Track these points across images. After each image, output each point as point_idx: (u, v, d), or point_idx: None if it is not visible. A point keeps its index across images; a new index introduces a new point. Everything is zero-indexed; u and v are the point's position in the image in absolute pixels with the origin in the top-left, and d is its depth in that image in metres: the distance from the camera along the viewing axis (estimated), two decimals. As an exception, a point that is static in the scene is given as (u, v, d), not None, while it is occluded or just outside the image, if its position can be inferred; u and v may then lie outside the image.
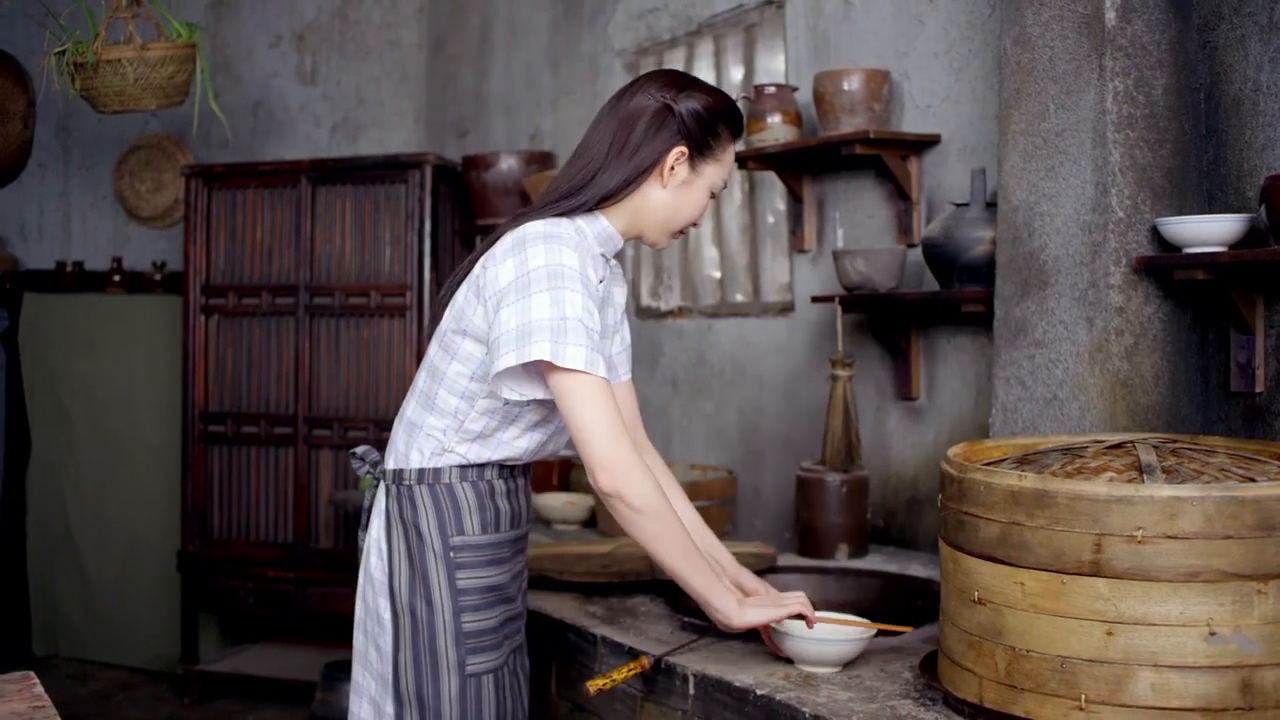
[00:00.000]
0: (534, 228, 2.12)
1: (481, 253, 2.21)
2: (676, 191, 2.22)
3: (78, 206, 6.57)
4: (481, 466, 2.23)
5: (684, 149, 2.20)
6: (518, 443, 2.23)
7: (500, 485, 2.25)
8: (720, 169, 2.27)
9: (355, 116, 6.13)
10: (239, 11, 6.28)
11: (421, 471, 2.21)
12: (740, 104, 3.76)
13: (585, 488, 4.10)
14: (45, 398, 5.99)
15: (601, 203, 2.20)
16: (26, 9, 6.35)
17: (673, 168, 2.20)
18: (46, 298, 6.07)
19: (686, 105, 2.19)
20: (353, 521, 4.86)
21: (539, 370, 2.09)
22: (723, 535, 3.69)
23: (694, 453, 4.23)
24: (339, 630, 5.13)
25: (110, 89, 4.89)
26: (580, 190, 2.19)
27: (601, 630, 2.61)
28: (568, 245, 2.09)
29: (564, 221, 2.16)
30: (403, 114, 6.05)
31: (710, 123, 2.22)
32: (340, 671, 4.66)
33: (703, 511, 3.56)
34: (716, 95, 2.26)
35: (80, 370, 5.92)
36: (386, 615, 2.22)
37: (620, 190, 2.19)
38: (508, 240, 2.14)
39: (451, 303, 2.23)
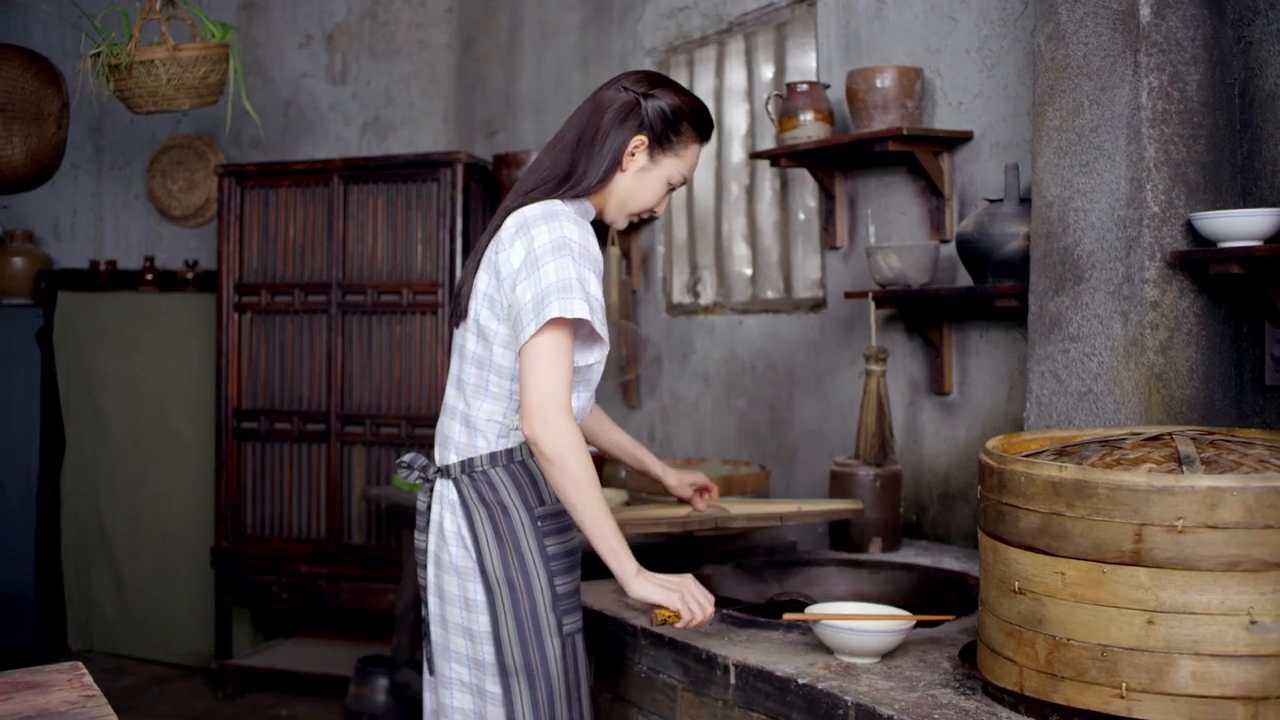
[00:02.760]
0: (533, 210, 2.30)
1: (489, 238, 2.38)
2: (634, 177, 2.39)
3: (110, 206, 6.63)
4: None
5: (643, 138, 2.37)
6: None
7: None
8: (679, 164, 2.43)
9: (385, 116, 6.17)
10: (269, 12, 6.34)
11: (494, 455, 2.33)
12: (772, 101, 3.80)
13: (619, 483, 4.13)
14: (79, 395, 6.05)
15: (588, 189, 2.37)
16: (62, 11, 6.43)
17: (632, 153, 2.37)
18: (80, 296, 6.14)
19: (653, 102, 2.37)
20: (386, 517, 4.90)
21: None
22: (755, 530, 3.72)
23: (725, 448, 4.25)
24: (371, 625, 5.18)
25: (144, 90, 4.95)
26: (568, 178, 2.36)
27: (641, 623, 2.64)
28: (568, 220, 2.27)
29: (558, 202, 2.33)
30: (432, 113, 6.09)
31: (674, 120, 2.39)
32: (374, 666, 4.71)
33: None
34: (686, 97, 2.43)
35: (114, 368, 5.98)
36: (480, 597, 2.32)
37: (602, 180, 2.37)
38: (511, 225, 2.31)
39: (474, 293, 2.37)
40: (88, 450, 6.05)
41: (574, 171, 2.36)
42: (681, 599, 2.23)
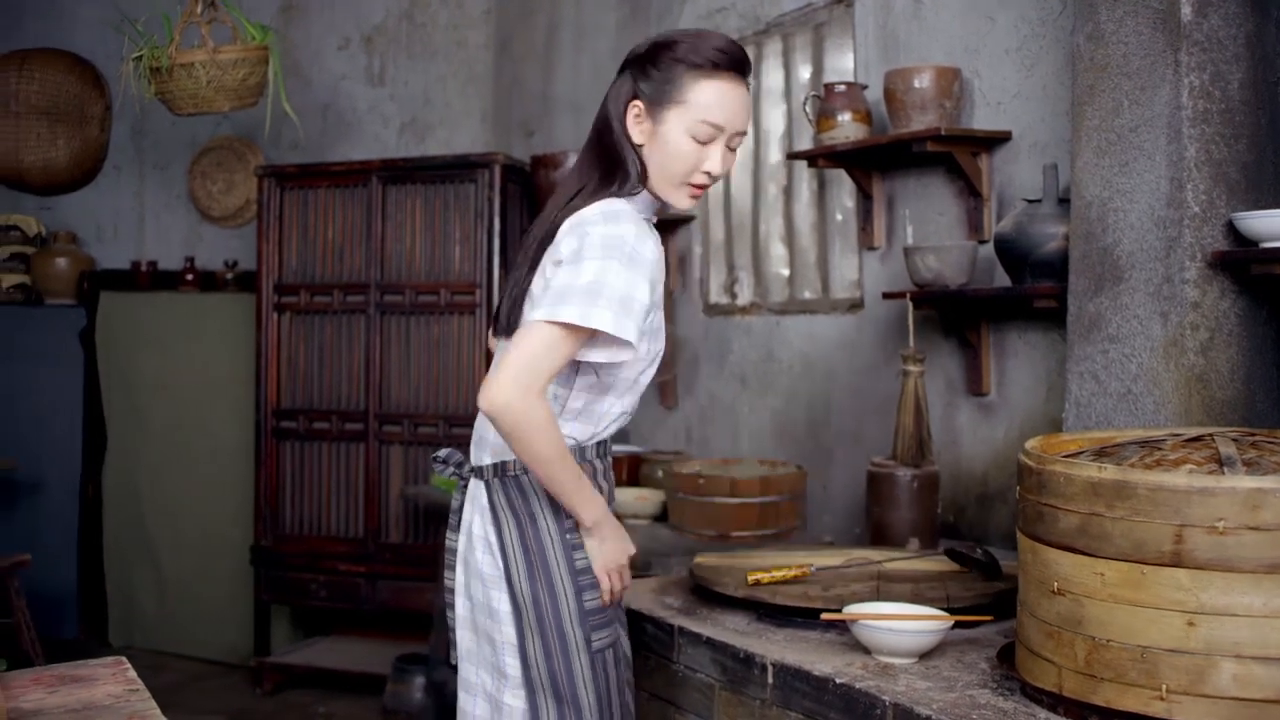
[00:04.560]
0: (592, 211, 2.16)
1: (540, 246, 2.24)
2: (651, 145, 2.20)
3: (152, 207, 6.70)
4: (583, 447, 2.27)
5: (636, 102, 2.20)
6: (614, 409, 2.28)
7: (599, 465, 2.31)
8: (689, 110, 2.17)
9: (422, 117, 6.21)
10: (308, 15, 6.38)
11: None
12: (810, 102, 3.80)
13: (656, 483, 4.14)
14: (121, 394, 6.12)
15: (637, 180, 2.21)
16: (105, 15, 6.50)
17: (635, 123, 2.20)
18: (122, 296, 6.20)
19: (634, 57, 2.22)
20: (423, 516, 4.93)
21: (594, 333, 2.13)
22: (792, 530, 3.72)
23: (761, 448, 4.26)
24: (409, 623, 5.21)
25: (185, 92, 5.00)
26: (609, 177, 2.21)
27: (679, 621, 2.65)
28: (627, 220, 2.14)
29: (618, 201, 2.19)
30: (469, 114, 6.12)
31: (659, 65, 2.18)
32: (411, 664, 4.73)
33: (772, 506, 3.64)
34: (670, 36, 2.22)
35: (155, 367, 6.04)
36: (504, 608, 2.25)
37: (639, 165, 2.21)
38: (567, 226, 2.18)
39: (529, 298, 2.25)
40: (129, 448, 6.11)
41: (610, 169, 2.21)
42: (607, 576, 2.26)
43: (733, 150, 2.26)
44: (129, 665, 2.53)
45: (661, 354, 2.33)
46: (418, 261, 5.03)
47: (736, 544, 3.52)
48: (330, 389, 5.20)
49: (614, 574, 2.29)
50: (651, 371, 2.32)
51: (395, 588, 5.03)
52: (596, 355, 2.17)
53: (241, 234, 6.38)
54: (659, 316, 2.28)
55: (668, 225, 4.64)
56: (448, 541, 2.41)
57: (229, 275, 6.08)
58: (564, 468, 2.17)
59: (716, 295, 4.61)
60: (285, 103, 5.04)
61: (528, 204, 5.14)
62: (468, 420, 4.89)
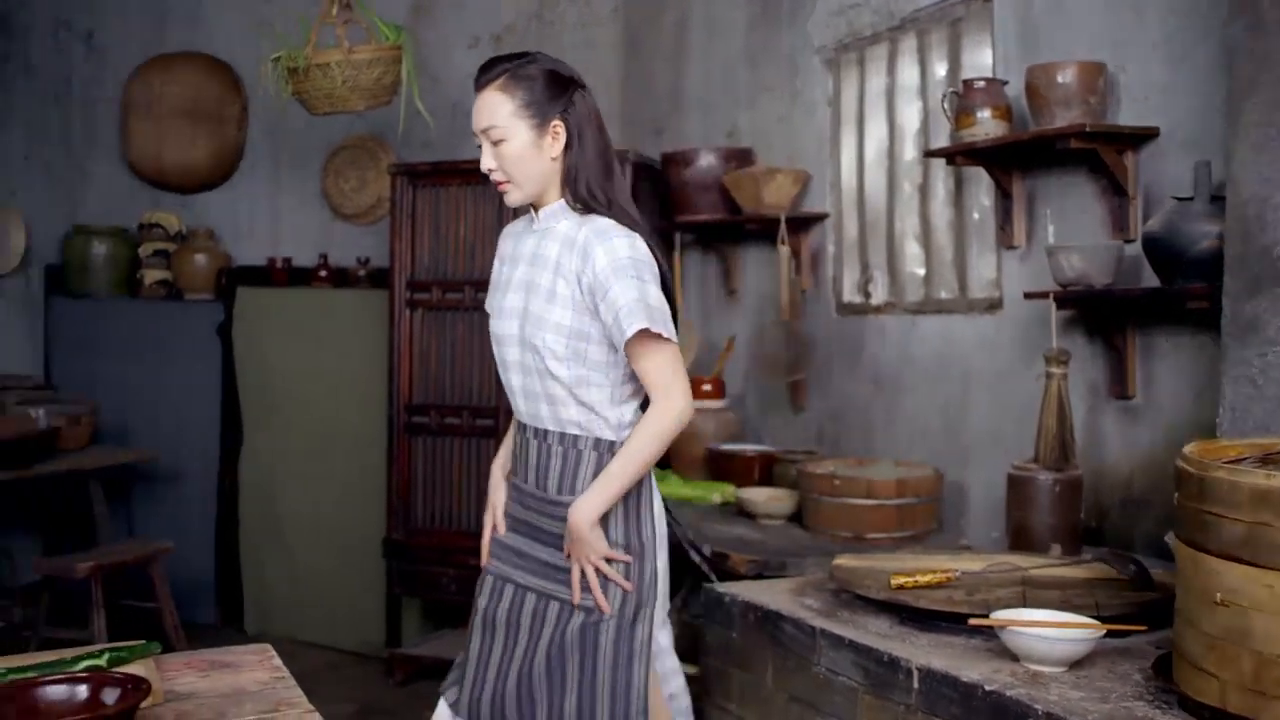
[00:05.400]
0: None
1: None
2: None
3: (286, 205, 6.84)
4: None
5: None
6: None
7: None
8: None
9: (551, 115, 6.24)
10: (437, 15, 6.46)
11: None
12: (948, 99, 3.75)
13: (788, 482, 4.12)
14: (256, 388, 6.26)
15: None
16: (243, 20, 6.66)
17: None
18: (258, 292, 6.34)
19: None
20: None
21: None
22: (928, 533, 3.68)
23: (896, 449, 4.21)
24: (537, 618, 5.24)
25: (320, 92, 5.09)
26: None
27: (820, 623, 2.63)
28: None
29: None
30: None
31: None
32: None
33: (909, 509, 3.60)
34: None
35: (289, 361, 6.16)
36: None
37: None
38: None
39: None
40: (264, 441, 6.25)
41: None
42: (580, 573, 2.53)
43: (495, 145, 2.57)
44: (274, 653, 2.59)
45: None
46: (548, 259, 5.05)
47: (872, 546, 3.49)
48: (461, 385, 5.26)
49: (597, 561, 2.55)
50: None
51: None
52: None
53: (373, 231, 6.48)
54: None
55: (799, 224, 4.61)
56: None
57: (361, 272, 6.19)
58: None
59: (849, 295, 4.57)
60: (419, 101, 5.11)
61: (658, 201, 5.14)
62: (597, 417, 4.92)
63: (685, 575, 4.24)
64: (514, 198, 2.62)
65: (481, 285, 5.16)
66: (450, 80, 6.31)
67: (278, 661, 2.54)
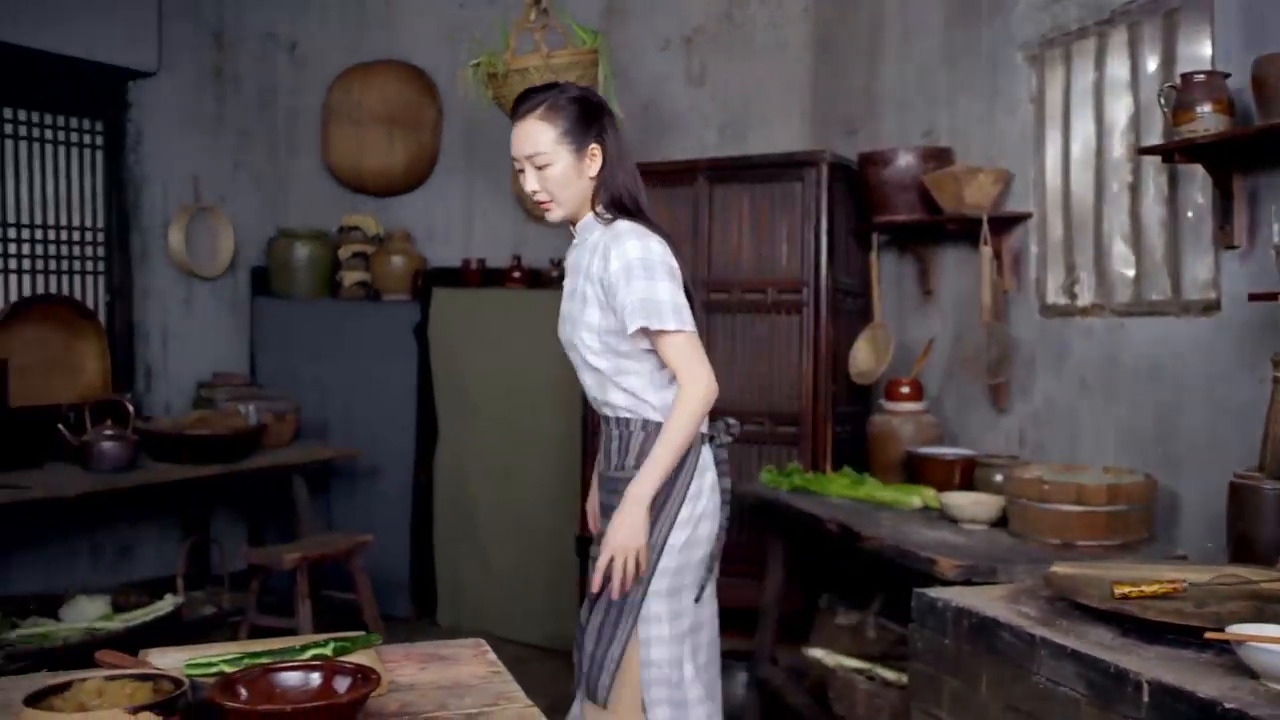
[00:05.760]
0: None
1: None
2: None
3: (480, 207, 6.98)
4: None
5: None
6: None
7: None
8: None
9: (742, 116, 6.24)
10: (629, 17, 6.52)
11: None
12: (1165, 94, 3.63)
13: (989, 486, 4.04)
14: (451, 386, 6.41)
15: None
16: (439, 28, 6.82)
17: None
18: (453, 292, 6.49)
19: None
20: (749, 513, 4.93)
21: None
22: (1140, 542, 3.57)
23: (1104, 455, 4.09)
24: (731, 619, 5.23)
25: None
26: None
27: (1039, 631, 2.57)
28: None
29: None
30: (789, 113, 6.11)
31: None
32: (732, 660, 4.77)
33: (1120, 516, 3.50)
34: None
35: (483, 361, 6.29)
36: None
37: None
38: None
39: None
40: (458, 438, 6.39)
41: None
42: (609, 562, 2.86)
43: (540, 170, 2.97)
44: (489, 648, 2.65)
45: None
46: (744, 260, 5.05)
47: (1083, 554, 3.40)
48: (655, 385, 5.28)
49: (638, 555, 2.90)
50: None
51: (719, 583, 5.06)
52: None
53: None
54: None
55: (1001, 224, 4.52)
56: (726, 483, 3.16)
57: (554, 273, 6.28)
58: None
59: (1054, 296, 4.46)
60: (615, 105, 5.16)
61: (854, 202, 5.10)
62: (793, 418, 4.90)
63: (880, 580, 4.21)
64: (555, 215, 3.05)
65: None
66: (642, 82, 6.36)
67: (492, 656, 2.60)
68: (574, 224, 3.08)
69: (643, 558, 2.87)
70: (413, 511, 6.55)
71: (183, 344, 6.61)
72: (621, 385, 2.99)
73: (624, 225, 2.95)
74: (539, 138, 2.93)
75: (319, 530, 5.97)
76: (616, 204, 2.99)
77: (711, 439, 3.09)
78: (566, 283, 3.13)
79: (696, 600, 3.07)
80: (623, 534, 2.86)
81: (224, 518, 6.68)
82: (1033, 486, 3.58)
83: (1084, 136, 4.35)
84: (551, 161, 2.94)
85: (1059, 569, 2.85)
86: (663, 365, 2.97)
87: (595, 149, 2.98)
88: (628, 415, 3.01)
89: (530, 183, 2.98)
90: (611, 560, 2.88)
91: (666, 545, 2.96)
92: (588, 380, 3.10)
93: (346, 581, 5.60)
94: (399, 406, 6.57)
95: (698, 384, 2.87)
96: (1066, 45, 4.42)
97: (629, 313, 2.86)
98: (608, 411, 3.07)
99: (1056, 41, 4.44)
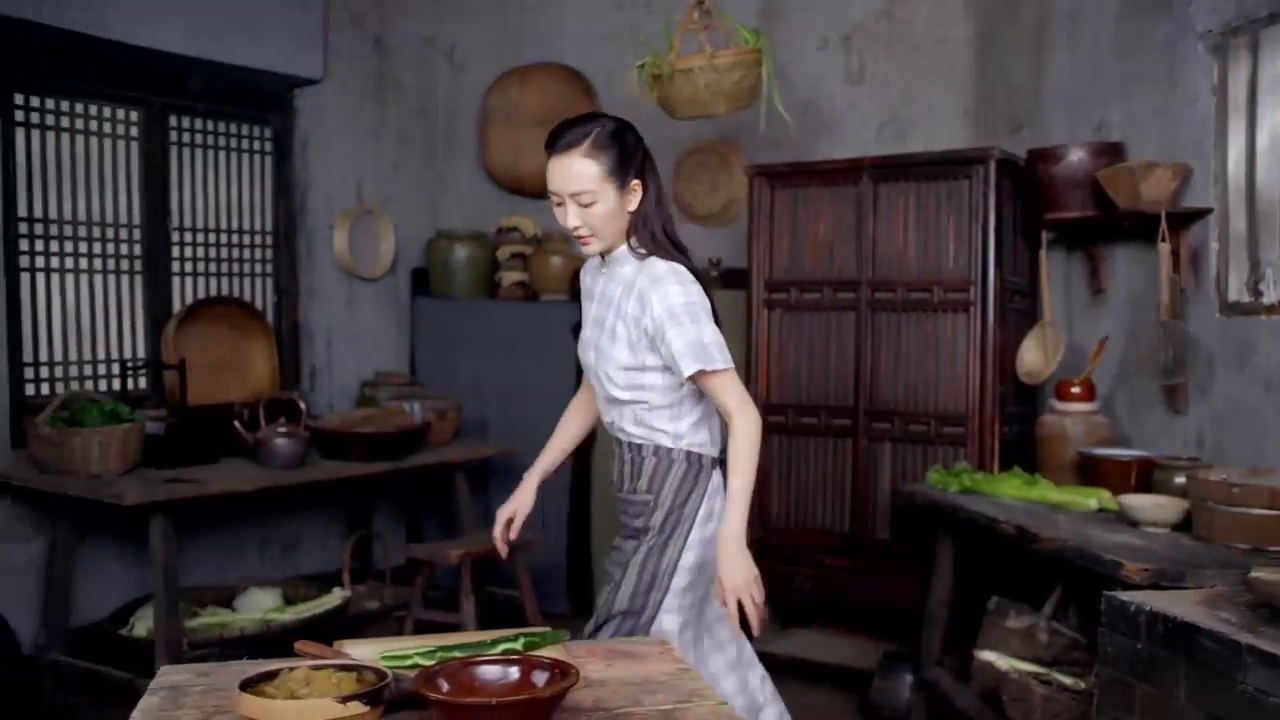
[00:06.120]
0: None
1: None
2: None
3: (641, 209, 7.00)
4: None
5: None
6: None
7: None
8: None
9: (902, 114, 6.17)
10: (787, 16, 6.48)
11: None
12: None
13: (1167, 489, 3.94)
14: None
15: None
16: (598, 30, 6.87)
17: None
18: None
19: None
20: (916, 515, 4.87)
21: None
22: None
23: (1292, 458, 3.96)
24: (890, 620, 5.20)
25: (683, 96, 5.20)
26: None
27: (1245, 638, 2.49)
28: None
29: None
30: (950, 110, 6.03)
31: None
32: (898, 662, 4.73)
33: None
34: None
35: (641, 360, 6.30)
36: None
37: None
38: None
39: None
40: (612, 436, 6.41)
41: None
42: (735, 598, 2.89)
43: (585, 207, 2.89)
44: (674, 647, 2.66)
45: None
46: (909, 259, 5.00)
47: (1275, 559, 3.29)
48: (818, 385, 5.26)
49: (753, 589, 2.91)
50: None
51: (881, 584, 5.03)
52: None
53: (724, 233, 6.57)
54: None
55: (1178, 220, 4.40)
56: None
57: (714, 272, 6.28)
58: None
59: (1236, 293, 4.32)
60: (779, 104, 5.15)
61: (1021, 201, 5.01)
62: (959, 419, 4.83)
63: (1058, 581, 4.12)
64: (594, 248, 2.99)
65: (840, 285, 5.18)
66: (801, 81, 6.33)
67: (678, 654, 2.61)
68: (604, 254, 3.06)
69: (757, 587, 2.90)
70: (570, 510, 6.59)
71: (346, 343, 6.76)
72: (640, 416, 3.04)
73: (661, 267, 2.93)
74: (584, 174, 2.87)
75: (478, 527, 6.05)
76: (652, 237, 2.97)
77: (722, 463, 3.08)
78: (594, 309, 3.13)
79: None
80: (738, 575, 2.88)
81: (384, 514, 6.81)
82: (1221, 489, 3.47)
83: (1271, 128, 4.21)
84: (597, 200, 2.89)
85: (1262, 574, 2.76)
86: (682, 400, 3.02)
87: (636, 184, 2.93)
88: (641, 441, 3.07)
89: (572, 219, 2.92)
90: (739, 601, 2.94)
91: (679, 566, 3.05)
92: (606, 408, 3.15)
93: (504, 578, 5.67)
94: (556, 406, 6.58)
95: (750, 411, 2.91)
96: (1253, 34, 4.28)
97: (682, 358, 2.87)
98: (621, 436, 3.12)
99: (1242, 29, 4.30)
